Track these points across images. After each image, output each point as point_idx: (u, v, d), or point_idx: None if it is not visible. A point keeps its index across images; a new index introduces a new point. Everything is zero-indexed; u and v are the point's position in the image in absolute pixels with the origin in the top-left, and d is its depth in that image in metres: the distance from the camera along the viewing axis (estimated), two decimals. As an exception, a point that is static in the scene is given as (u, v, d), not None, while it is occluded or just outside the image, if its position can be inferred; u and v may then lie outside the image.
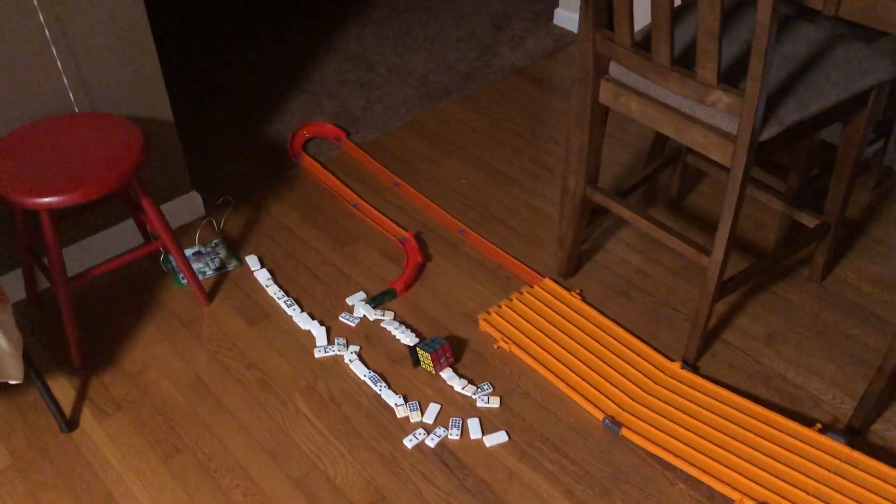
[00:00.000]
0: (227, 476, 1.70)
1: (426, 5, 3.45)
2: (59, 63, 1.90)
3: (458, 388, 1.86)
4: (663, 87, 1.62)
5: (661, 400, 1.79)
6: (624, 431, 1.73)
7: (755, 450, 1.66)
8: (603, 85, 1.78)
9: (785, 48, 1.73)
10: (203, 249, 2.24)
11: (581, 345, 1.93)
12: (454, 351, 1.96)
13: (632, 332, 1.98)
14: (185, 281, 2.14)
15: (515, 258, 2.20)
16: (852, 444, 1.73)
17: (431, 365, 1.88)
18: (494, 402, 1.83)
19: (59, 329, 2.02)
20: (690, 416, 1.74)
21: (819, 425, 1.70)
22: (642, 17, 2.87)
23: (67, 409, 1.84)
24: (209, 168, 2.57)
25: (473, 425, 1.78)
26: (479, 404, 1.83)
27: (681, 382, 1.83)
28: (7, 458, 1.74)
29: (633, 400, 1.80)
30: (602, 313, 2.03)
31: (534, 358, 1.90)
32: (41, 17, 1.82)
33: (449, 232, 2.31)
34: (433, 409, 1.82)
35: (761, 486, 1.60)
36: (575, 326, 1.98)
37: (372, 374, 1.89)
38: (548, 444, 1.75)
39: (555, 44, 3.14)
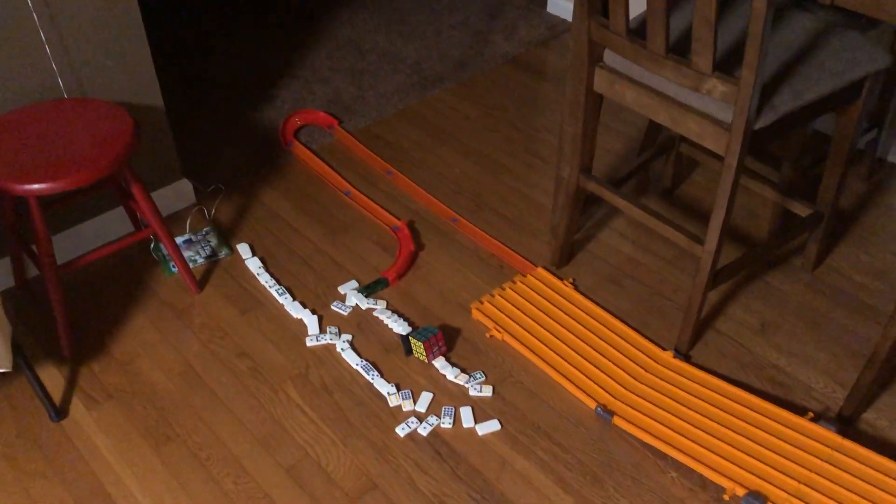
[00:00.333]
0: (219, 465, 1.69)
1: (419, -8, 3.43)
2: (47, 49, 1.87)
3: (450, 376, 1.85)
4: (658, 75, 1.61)
5: (653, 389, 1.79)
6: (616, 420, 1.73)
7: (747, 438, 1.67)
8: (597, 73, 1.77)
9: (780, 37, 1.73)
10: (194, 237, 2.22)
11: (573, 334, 1.93)
12: (447, 340, 1.95)
13: (624, 321, 1.98)
14: (176, 269, 2.12)
15: (508, 247, 2.19)
16: (843, 433, 1.74)
17: (424, 354, 1.87)
18: (487, 391, 1.82)
19: (49, 317, 2.01)
20: (682, 405, 1.75)
21: (811, 414, 1.71)
22: (638, 4, 2.86)
23: (57, 398, 1.83)
24: (200, 155, 2.55)
25: (466, 414, 1.78)
26: (472, 393, 1.82)
27: (673, 371, 1.83)
28: (-4, 447, 1.73)
29: (625, 389, 1.80)
30: (595, 302, 2.03)
31: (526, 347, 1.90)
32: (30, 2, 1.80)
33: (442, 221, 2.30)
34: (426, 397, 1.81)
35: (753, 474, 1.60)
36: (567, 315, 1.97)
37: (364, 362, 1.89)
38: (540, 432, 1.75)
39: (549, 32, 3.13)
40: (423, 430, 1.75)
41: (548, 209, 2.33)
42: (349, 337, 1.96)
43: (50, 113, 1.82)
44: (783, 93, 1.58)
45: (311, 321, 1.99)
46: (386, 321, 1.99)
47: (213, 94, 2.84)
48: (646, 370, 1.84)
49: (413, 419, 1.77)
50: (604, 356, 1.87)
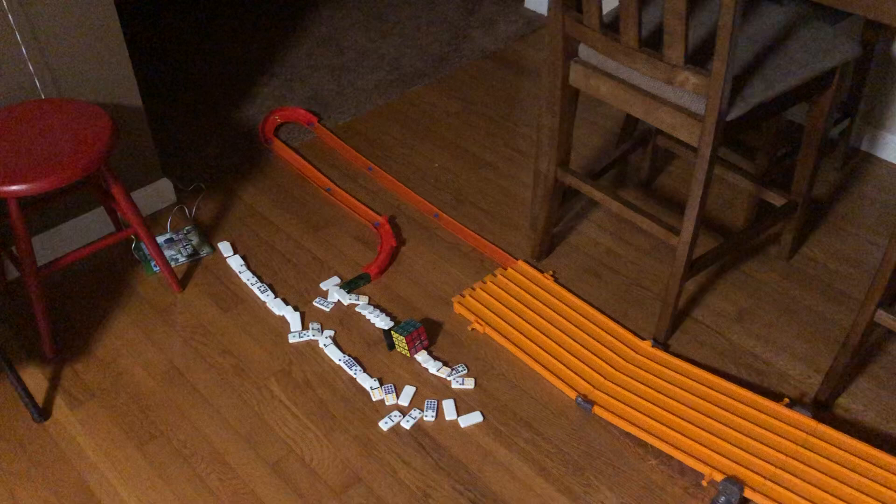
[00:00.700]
0: (204, 462, 1.70)
1: (397, -11, 3.44)
2: (23, 49, 1.87)
3: (432, 370, 1.87)
4: (632, 68, 1.63)
5: (632, 378, 1.82)
6: (596, 409, 1.76)
7: (724, 425, 1.69)
8: (573, 67, 1.79)
9: (751, 29, 1.75)
10: (175, 236, 2.23)
11: (554, 325, 1.95)
12: (429, 334, 1.97)
13: (603, 312, 2.01)
14: (158, 268, 2.13)
15: (489, 241, 2.21)
16: (818, 418, 1.77)
17: (406, 348, 1.89)
18: (469, 384, 1.84)
19: (30, 318, 2.01)
20: (661, 394, 1.77)
21: (786, 400, 1.74)
22: (612, -1, 2.88)
23: (40, 399, 1.83)
24: (180, 155, 2.55)
25: (448, 406, 1.80)
26: (454, 386, 1.84)
27: (652, 360, 1.86)
28: (-20, 449, 1.73)
29: (604, 378, 1.83)
30: (574, 294, 2.05)
31: (507, 339, 1.92)
32: (4, 2, 1.79)
33: (423, 216, 2.31)
34: (408, 391, 1.83)
35: (730, 459, 1.63)
36: (548, 307, 2.00)
37: (347, 358, 1.90)
38: (521, 423, 1.77)
39: (526, 27, 3.14)
40: (407, 424, 1.77)
41: (527, 203, 2.35)
42: (331, 333, 1.97)
43: (27, 114, 1.81)
44: (755, 84, 1.61)
45: (293, 318, 2.00)
46: (368, 316, 2.00)
47: (192, 92, 2.84)
48: (625, 360, 1.87)
49: (396, 413, 1.79)
50: (584, 347, 1.90)
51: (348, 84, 2.86)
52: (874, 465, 1.60)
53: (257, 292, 2.07)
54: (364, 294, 2.08)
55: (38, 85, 1.93)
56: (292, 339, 1.95)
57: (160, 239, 2.21)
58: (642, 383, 1.80)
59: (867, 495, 1.55)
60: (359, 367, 1.88)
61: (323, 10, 3.31)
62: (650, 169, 2.37)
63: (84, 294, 2.08)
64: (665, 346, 1.93)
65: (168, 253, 2.17)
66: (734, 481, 1.57)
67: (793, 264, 2.13)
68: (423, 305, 2.04)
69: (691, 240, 1.75)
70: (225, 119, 2.70)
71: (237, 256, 2.17)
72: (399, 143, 2.59)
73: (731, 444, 1.66)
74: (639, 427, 1.71)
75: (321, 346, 1.94)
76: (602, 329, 1.94)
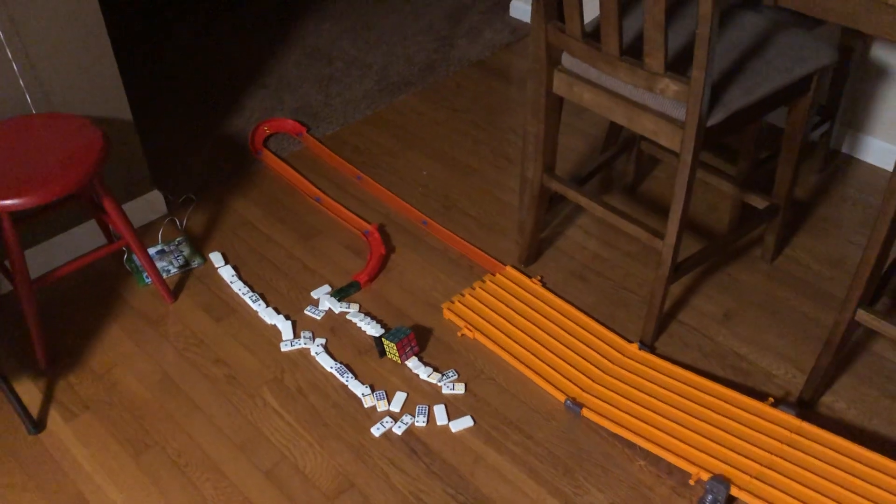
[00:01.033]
0: (198, 470, 1.72)
1: (384, -1, 3.47)
2: (14, 65, 1.89)
3: (423, 376, 1.90)
4: (613, 76, 1.67)
5: (620, 380, 1.85)
6: (585, 412, 1.78)
7: (711, 425, 1.72)
8: (556, 75, 1.82)
9: (729, 36, 1.79)
10: (166, 248, 2.25)
11: (542, 330, 1.98)
12: (419, 340, 1.99)
13: (591, 316, 2.04)
14: (150, 280, 2.14)
15: (477, 247, 2.24)
16: (803, 416, 1.80)
17: (397, 354, 1.91)
18: (459, 389, 1.87)
19: (24, 331, 2.02)
20: (649, 395, 1.80)
21: (771, 399, 1.77)
22: (592, 8, 2.92)
23: (34, 411, 1.84)
24: (170, 166, 2.57)
25: (439, 412, 1.82)
26: (445, 391, 1.87)
27: (639, 363, 1.89)
28: (-25, 462, 1.74)
29: (593, 381, 1.86)
30: (562, 298, 2.08)
31: (497, 344, 1.95)
32: (-6, 19, 1.82)
33: (412, 223, 2.34)
34: (400, 397, 1.85)
35: (717, 459, 1.66)
36: (536, 312, 2.02)
37: (338, 365, 1.92)
38: (512, 426, 1.80)
39: (511, 35, 3.18)
40: (398, 430, 1.79)
41: (515, 209, 2.38)
42: (323, 341, 1.99)
43: (19, 129, 1.83)
44: (734, 90, 1.64)
45: (285, 326, 2.02)
46: (359, 324, 2.02)
47: (181, 104, 2.86)
48: (612, 362, 1.90)
49: (388, 419, 1.81)
50: (572, 350, 1.93)
51: (336, 94, 2.88)
52: (858, 461, 1.63)
53: (249, 302, 2.09)
54: (355, 302, 2.10)
55: (28, 100, 1.95)
56: (284, 348, 1.97)
57: (152, 250, 2.23)
58: (630, 385, 1.83)
59: (851, 492, 1.58)
60: (350, 374, 1.90)
61: (310, 20, 3.34)
62: (635, 174, 2.40)
63: (77, 306, 2.09)
64: (652, 349, 1.96)
65: (160, 264, 2.19)
66: (721, 480, 1.60)
67: (776, 266, 2.17)
68: (413, 312, 2.07)
69: (675, 243, 1.78)
70: (214, 130, 2.72)
71: (228, 266, 2.19)
72: (387, 151, 2.61)
73: (717, 443, 1.69)
74: (627, 428, 1.73)
75: (313, 353, 1.96)
76: (590, 332, 1.97)
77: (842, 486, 1.59)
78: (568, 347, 1.93)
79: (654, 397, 1.80)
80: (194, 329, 2.03)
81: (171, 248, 2.24)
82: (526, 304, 2.04)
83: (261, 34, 3.26)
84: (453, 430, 1.79)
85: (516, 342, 1.95)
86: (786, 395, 1.85)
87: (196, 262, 2.21)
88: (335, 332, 2.02)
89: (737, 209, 2.22)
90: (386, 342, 1.91)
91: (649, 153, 2.28)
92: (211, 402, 1.86)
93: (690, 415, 1.75)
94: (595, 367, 1.89)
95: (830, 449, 1.66)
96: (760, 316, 2.03)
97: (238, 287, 2.13)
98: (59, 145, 1.79)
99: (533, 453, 1.74)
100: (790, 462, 1.64)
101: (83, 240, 2.22)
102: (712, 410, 1.75)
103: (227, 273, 2.17)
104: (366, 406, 1.84)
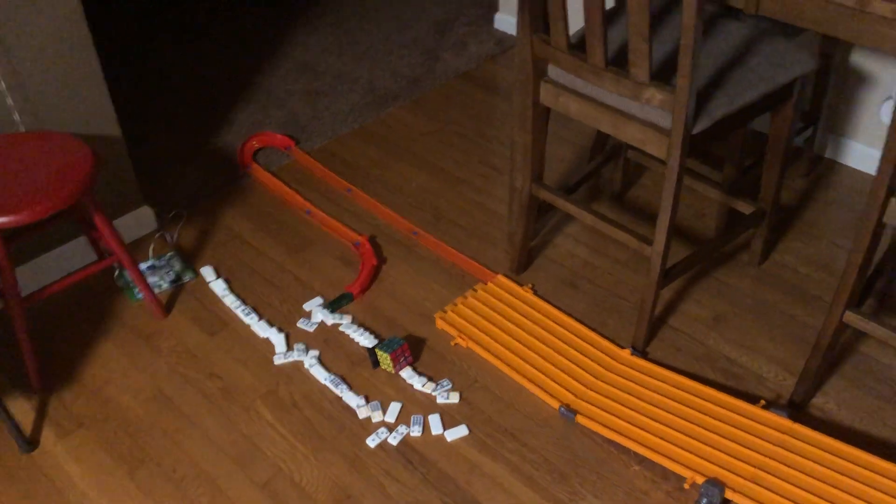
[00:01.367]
0: (194, 485, 1.72)
1: (369, 14, 3.49)
2: (2, 83, 1.89)
3: (417, 385, 1.90)
4: (599, 86, 1.69)
5: (613, 386, 1.86)
6: (579, 418, 1.80)
7: (704, 428, 1.74)
8: (543, 86, 1.85)
9: (713, 45, 1.82)
10: (157, 263, 2.25)
11: (535, 337, 1.99)
12: (413, 350, 2.00)
13: (583, 323, 2.05)
14: (141, 295, 2.14)
15: (468, 257, 2.25)
16: (794, 418, 1.81)
17: (391, 365, 1.92)
18: (454, 398, 1.88)
19: (16, 349, 2.02)
20: (642, 400, 1.82)
21: (763, 402, 1.79)
22: (578, 19, 2.95)
23: (27, 429, 1.84)
24: (160, 182, 2.57)
25: (434, 421, 1.83)
26: (440, 400, 1.88)
27: (631, 368, 1.91)
28: (-32, 482, 1.73)
29: (586, 388, 1.87)
30: (554, 306, 2.09)
31: (490, 352, 1.96)
32: (-17, 38, 1.82)
33: (402, 234, 2.35)
34: (394, 407, 1.86)
35: (711, 462, 1.67)
36: (528, 320, 2.04)
37: (332, 377, 1.93)
38: (507, 434, 1.81)
39: (497, 47, 3.21)
40: (394, 440, 1.79)
41: (504, 218, 2.40)
42: (316, 353, 2.00)
43: (8, 147, 1.83)
44: (718, 98, 1.67)
45: (278, 339, 2.02)
46: (352, 335, 2.03)
47: (170, 120, 2.87)
48: (605, 368, 1.91)
49: (383, 429, 1.81)
50: (565, 357, 1.94)
51: (324, 108, 2.90)
52: (850, 462, 1.65)
53: (241, 315, 2.09)
54: (347, 313, 2.11)
55: (17, 119, 1.95)
56: (278, 361, 1.98)
57: (143, 266, 2.23)
58: (623, 391, 1.85)
59: (844, 492, 1.60)
60: (345, 386, 1.91)
61: (297, 35, 3.36)
62: (622, 182, 2.43)
63: (69, 323, 2.09)
64: (644, 354, 1.98)
65: (151, 279, 2.19)
66: (715, 483, 1.61)
67: (764, 270, 2.19)
68: (406, 322, 2.07)
69: (664, 249, 1.80)
70: (203, 145, 2.73)
71: (220, 280, 2.20)
72: (376, 163, 2.63)
73: (711, 447, 1.70)
74: (621, 434, 1.75)
75: (307, 366, 1.96)
76: (582, 339, 1.99)
77: (834, 487, 1.61)
78: (561, 354, 1.95)
79: (648, 402, 1.81)
80: (187, 344, 2.03)
81: (163, 263, 2.25)
82: (518, 313, 2.06)
83: (248, 49, 3.27)
84: (448, 440, 1.80)
85: (510, 350, 1.96)
86: (777, 398, 1.87)
87: (187, 277, 2.21)
88: (328, 343, 2.02)
89: (724, 215, 2.25)
90: (379, 353, 1.92)
91: (636, 161, 2.30)
92: (205, 416, 1.86)
93: (684, 419, 1.77)
94: (588, 373, 1.90)
95: (822, 450, 1.67)
96: (750, 319, 2.06)
97: (230, 301, 2.13)
98: (49, 163, 1.79)
99: (528, 461, 1.75)
100: (783, 464, 1.66)
101: (74, 256, 2.21)
102: (705, 414, 1.77)
103: (219, 287, 2.17)
104: (360, 417, 1.85)
